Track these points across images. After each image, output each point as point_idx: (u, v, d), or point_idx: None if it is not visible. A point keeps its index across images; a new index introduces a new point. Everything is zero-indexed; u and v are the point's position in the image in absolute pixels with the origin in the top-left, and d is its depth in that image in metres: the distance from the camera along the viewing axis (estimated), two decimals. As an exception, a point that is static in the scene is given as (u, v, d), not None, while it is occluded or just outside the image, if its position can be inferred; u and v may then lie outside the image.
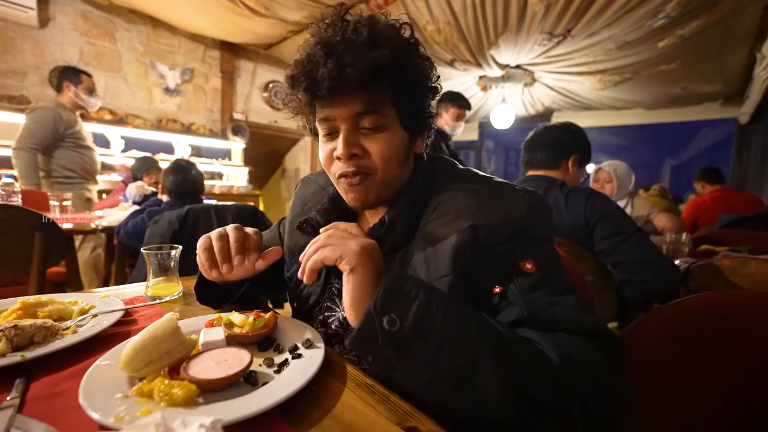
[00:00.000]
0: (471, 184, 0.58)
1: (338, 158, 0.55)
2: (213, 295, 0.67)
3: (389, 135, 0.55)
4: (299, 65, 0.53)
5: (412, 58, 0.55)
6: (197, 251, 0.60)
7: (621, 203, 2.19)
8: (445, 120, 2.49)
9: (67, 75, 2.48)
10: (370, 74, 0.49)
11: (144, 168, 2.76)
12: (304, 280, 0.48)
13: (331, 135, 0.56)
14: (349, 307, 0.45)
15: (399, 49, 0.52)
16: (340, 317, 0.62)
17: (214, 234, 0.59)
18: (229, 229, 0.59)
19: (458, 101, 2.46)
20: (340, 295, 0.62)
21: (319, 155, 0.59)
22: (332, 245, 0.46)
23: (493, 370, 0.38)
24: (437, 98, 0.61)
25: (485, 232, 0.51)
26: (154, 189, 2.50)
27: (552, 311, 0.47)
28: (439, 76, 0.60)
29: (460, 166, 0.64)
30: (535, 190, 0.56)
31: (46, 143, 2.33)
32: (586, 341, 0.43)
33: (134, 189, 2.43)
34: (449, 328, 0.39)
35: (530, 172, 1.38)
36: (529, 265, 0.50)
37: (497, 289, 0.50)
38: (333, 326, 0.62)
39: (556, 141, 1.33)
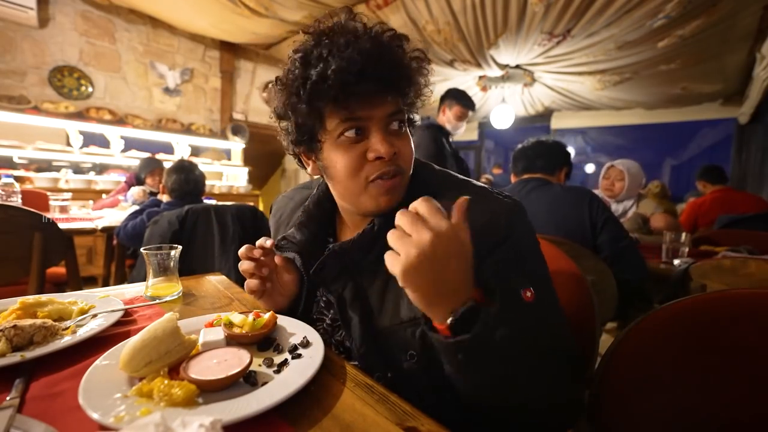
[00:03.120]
0: (452, 189, 0.58)
1: (379, 158, 0.52)
2: None
3: (408, 136, 0.57)
4: (323, 60, 0.49)
5: (428, 70, 0.57)
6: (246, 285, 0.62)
7: (628, 203, 2.15)
8: (447, 118, 2.38)
9: None
10: (409, 77, 0.53)
11: (148, 169, 2.75)
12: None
13: (360, 137, 0.52)
14: (415, 302, 0.44)
15: (420, 60, 0.55)
16: (325, 325, 0.63)
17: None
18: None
19: (463, 100, 2.37)
20: (326, 306, 0.63)
21: (338, 163, 0.53)
22: (402, 242, 0.41)
23: (531, 378, 0.46)
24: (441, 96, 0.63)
25: (471, 236, 0.51)
26: (154, 190, 2.51)
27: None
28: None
29: (437, 168, 0.65)
30: (510, 195, 0.57)
31: None
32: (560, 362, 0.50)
33: (137, 193, 2.44)
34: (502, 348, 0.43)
35: (527, 176, 1.50)
36: (528, 294, 0.50)
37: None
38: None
39: (553, 152, 1.50)
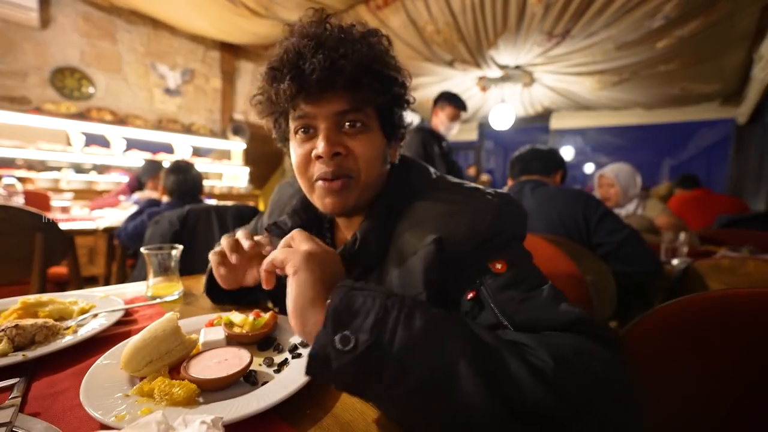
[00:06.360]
0: (441, 192, 0.56)
1: (319, 158, 0.52)
2: (226, 296, 0.70)
3: (371, 136, 0.54)
4: (282, 58, 0.51)
5: (395, 64, 0.55)
6: (211, 256, 0.64)
7: (630, 206, 2.11)
8: (440, 120, 2.42)
9: None
10: (361, 70, 0.49)
11: (150, 174, 2.73)
12: (263, 285, 0.48)
13: (308, 135, 0.53)
14: (292, 316, 0.41)
15: (385, 51, 0.53)
16: None
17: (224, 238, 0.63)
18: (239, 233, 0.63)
19: (455, 101, 2.42)
20: None
21: (292, 158, 0.57)
22: (282, 249, 0.45)
23: (474, 378, 0.31)
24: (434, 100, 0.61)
25: (451, 244, 0.50)
26: (155, 196, 2.52)
27: (525, 308, 0.43)
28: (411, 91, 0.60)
29: (433, 172, 0.63)
30: (506, 193, 0.55)
31: None
32: (574, 334, 0.38)
33: (141, 197, 2.46)
34: (414, 337, 0.33)
35: (524, 177, 1.54)
36: (499, 265, 0.47)
37: (470, 295, 0.47)
38: None
39: (549, 156, 1.55)
